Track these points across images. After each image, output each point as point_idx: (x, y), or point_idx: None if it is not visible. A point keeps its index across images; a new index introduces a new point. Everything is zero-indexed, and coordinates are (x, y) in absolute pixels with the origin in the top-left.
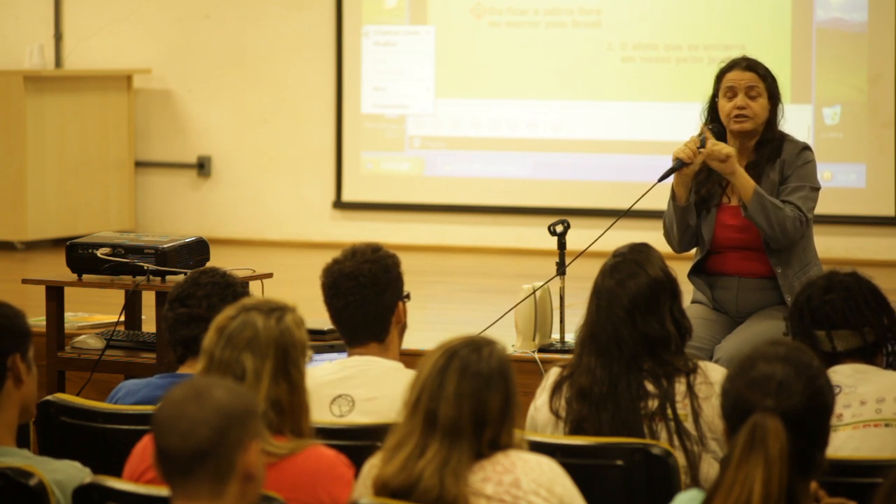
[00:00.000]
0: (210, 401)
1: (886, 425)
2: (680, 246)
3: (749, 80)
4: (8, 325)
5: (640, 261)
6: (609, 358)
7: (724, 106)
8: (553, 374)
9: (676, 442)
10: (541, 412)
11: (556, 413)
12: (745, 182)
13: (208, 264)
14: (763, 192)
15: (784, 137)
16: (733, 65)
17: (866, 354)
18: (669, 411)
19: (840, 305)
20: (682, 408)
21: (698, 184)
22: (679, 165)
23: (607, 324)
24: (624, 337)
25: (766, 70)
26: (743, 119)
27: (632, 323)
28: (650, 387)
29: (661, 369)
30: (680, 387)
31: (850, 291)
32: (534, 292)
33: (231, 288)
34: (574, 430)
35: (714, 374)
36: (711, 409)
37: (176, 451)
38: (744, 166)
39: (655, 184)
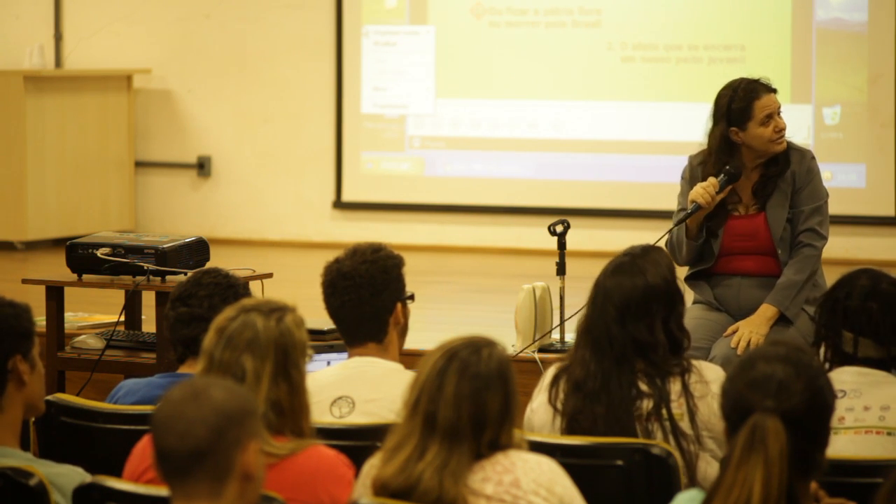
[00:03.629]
0: (208, 401)
1: (888, 433)
2: (685, 262)
3: (777, 101)
4: (6, 326)
5: (644, 266)
6: (601, 353)
7: (764, 133)
8: (550, 372)
9: (672, 442)
10: (537, 414)
11: (553, 405)
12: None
13: (209, 264)
14: (789, 298)
15: (788, 146)
16: (764, 88)
17: (882, 366)
18: (664, 411)
19: (877, 317)
20: (678, 407)
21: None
22: (696, 209)
23: (600, 320)
24: (614, 335)
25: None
26: (781, 140)
27: (622, 323)
28: (644, 386)
29: (654, 369)
30: (675, 386)
31: (891, 305)
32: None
33: (233, 289)
34: (570, 422)
35: (709, 372)
36: (707, 408)
37: (174, 452)
38: (753, 181)
39: (671, 229)
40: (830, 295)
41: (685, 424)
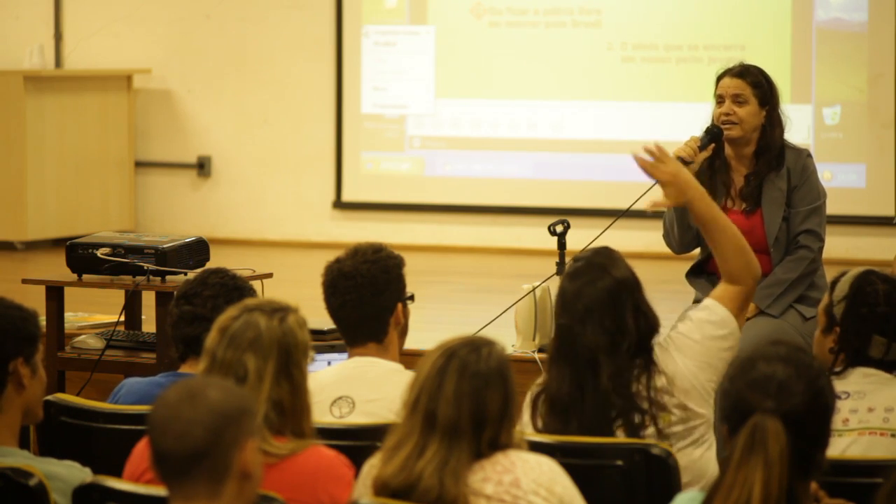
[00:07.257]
0: (204, 401)
1: (893, 435)
2: (680, 247)
3: (736, 87)
4: (11, 328)
5: (604, 264)
6: (573, 361)
7: (716, 112)
8: (531, 392)
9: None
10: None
11: (537, 429)
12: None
13: (211, 264)
14: (771, 297)
15: (784, 144)
16: (727, 71)
17: (890, 368)
18: (638, 419)
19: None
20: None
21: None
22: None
23: (566, 328)
24: (583, 340)
25: (760, 77)
26: (729, 126)
27: (587, 325)
28: (614, 398)
29: (620, 378)
30: (640, 392)
31: None
32: (533, 289)
33: (238, 291)
34: None
35: (676, 341)
36: (683, 379)
37: (171, 453)
38: (744, 175)
39: (655, 183)
40: (855, 307)
41: (652, 429)
